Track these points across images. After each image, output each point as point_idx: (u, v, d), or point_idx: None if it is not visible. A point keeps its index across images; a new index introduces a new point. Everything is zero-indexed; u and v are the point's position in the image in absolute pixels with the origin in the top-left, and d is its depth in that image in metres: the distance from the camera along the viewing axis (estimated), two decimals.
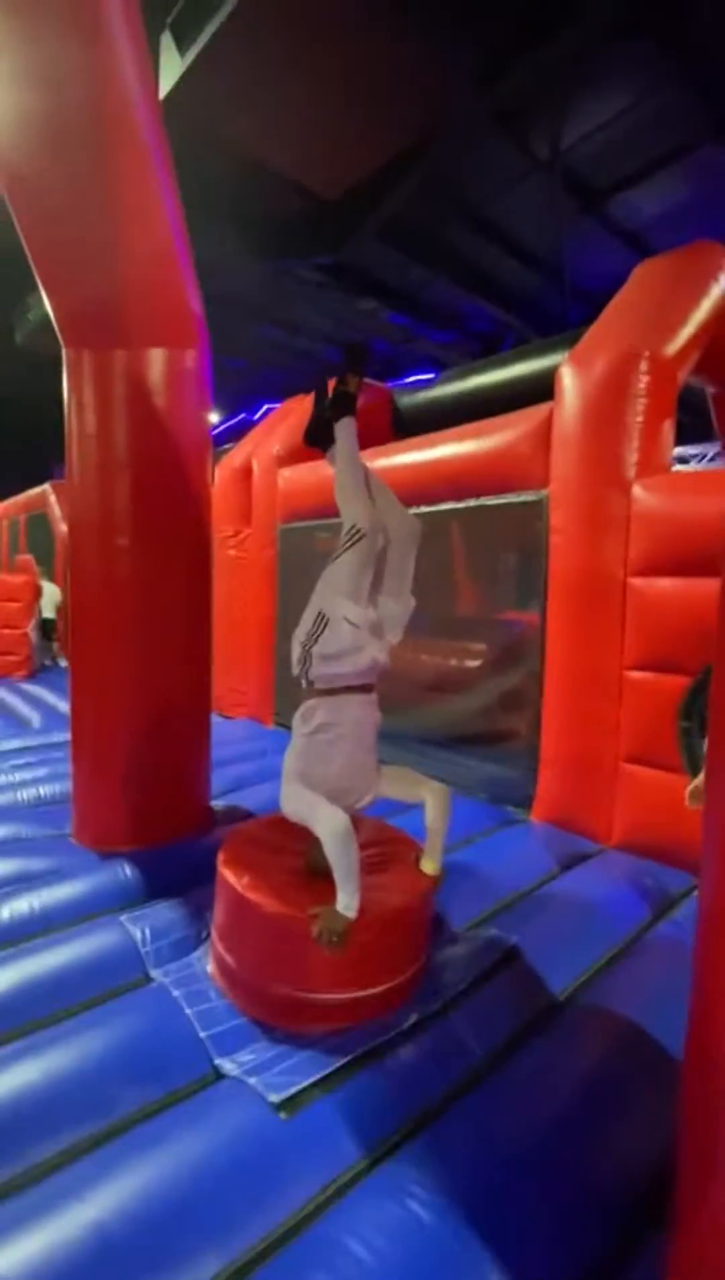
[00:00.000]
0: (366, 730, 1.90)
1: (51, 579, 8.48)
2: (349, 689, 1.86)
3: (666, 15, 4.47)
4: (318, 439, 2.01)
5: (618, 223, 6.91)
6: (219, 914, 1.92)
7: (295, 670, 1.91)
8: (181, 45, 4.86)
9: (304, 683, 1.91)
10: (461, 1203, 1.21)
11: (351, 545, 1.84)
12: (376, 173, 6.31)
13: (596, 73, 5.07)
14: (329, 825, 1.69)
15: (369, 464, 2.05)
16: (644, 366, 2.72)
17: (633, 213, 6.72)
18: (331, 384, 2.05)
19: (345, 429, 1.95)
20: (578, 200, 6.58)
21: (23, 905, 2.18)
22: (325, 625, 1.82)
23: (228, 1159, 1.32)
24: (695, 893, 2.44)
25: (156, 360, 2.53)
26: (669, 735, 2.56)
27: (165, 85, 5.16)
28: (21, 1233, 1.16)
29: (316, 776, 1.84)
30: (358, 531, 1.83)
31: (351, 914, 1.62)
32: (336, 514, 1.94)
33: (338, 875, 1.65)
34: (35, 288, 2.56)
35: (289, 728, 4.32)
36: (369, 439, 4.69)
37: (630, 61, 4.91)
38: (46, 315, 2.63)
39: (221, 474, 5.27)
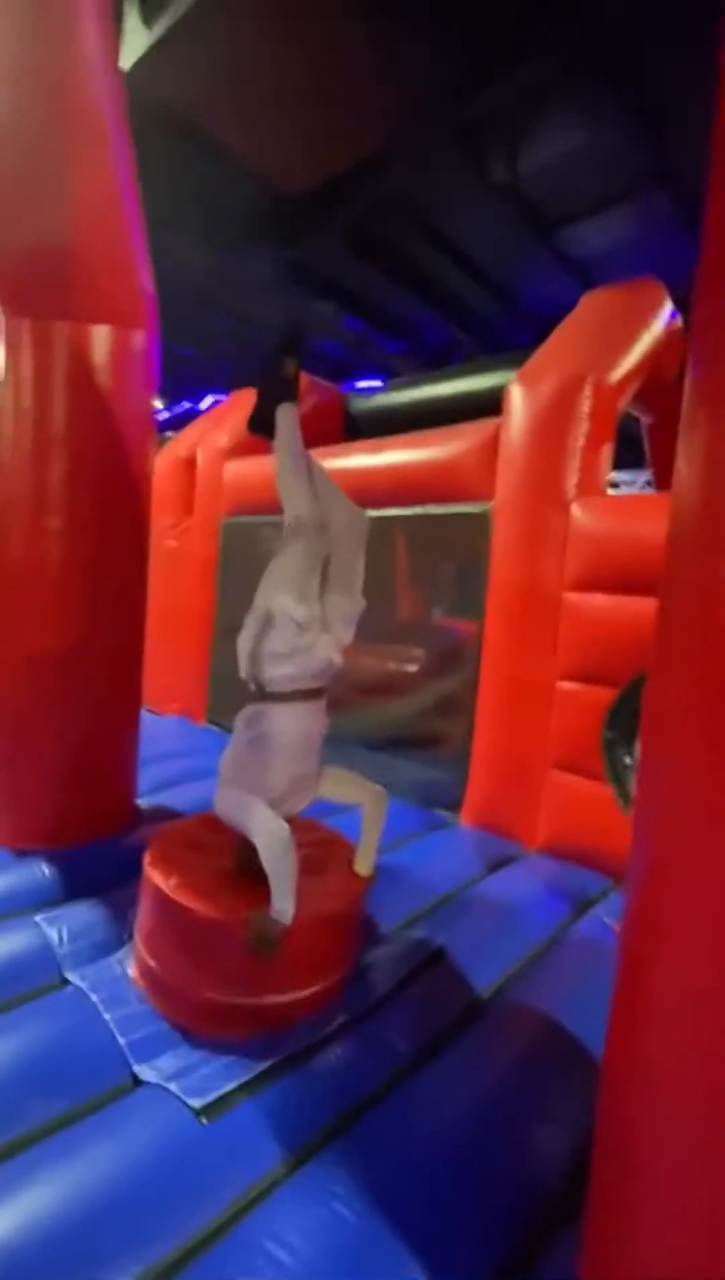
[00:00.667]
0: (312, 740, 1.86)
1: None
2: (299, 694, 1.81)
3: (619, 62, 4.70)
4: (260, 427, 1.95)
5: (567, 253, 7.19)
6: (144, 916, 1.85)
7: (243, 672, 1.84)
8: (147, 18, 4.71)
9: (253, 685, 1.84)
10: (383, 1202, 1.22)
11: (293, 539, 1.80)
12: (340, 176, 6.31)
13: (555, 107, 5.27)
14: (268, 834, 1.64)
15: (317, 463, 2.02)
16: (588, 391, 2.84)
17: (581, 245, 7.01)
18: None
19: (285, 416, 1.89)
20: (531, 227, 6.81)
21: None
22: (271, 624, 1.77)
23: (145, 1167, 1.28)
24: (611, 892, 2.56)
25: (102, 337, 2.43)
26: (595, 744, 2.68)
27: (127, 59, 4.98)
28: None
29: (257, 783, 1.78)
30: (300, 524, 1.80)
31: (286, 920, 1.60)
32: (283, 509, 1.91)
33: (274, 883, 1.61)
34: None
35: (221, 726, 4.21)
36: (321, 439, 4.69)
37: (587, 101, 5.14)
38: None
39: (163, 462, 5.12)
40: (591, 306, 3.29)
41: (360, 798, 1.95)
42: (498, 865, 2.74)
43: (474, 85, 4.97)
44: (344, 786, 1.96)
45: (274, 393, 1.90)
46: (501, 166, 6.09)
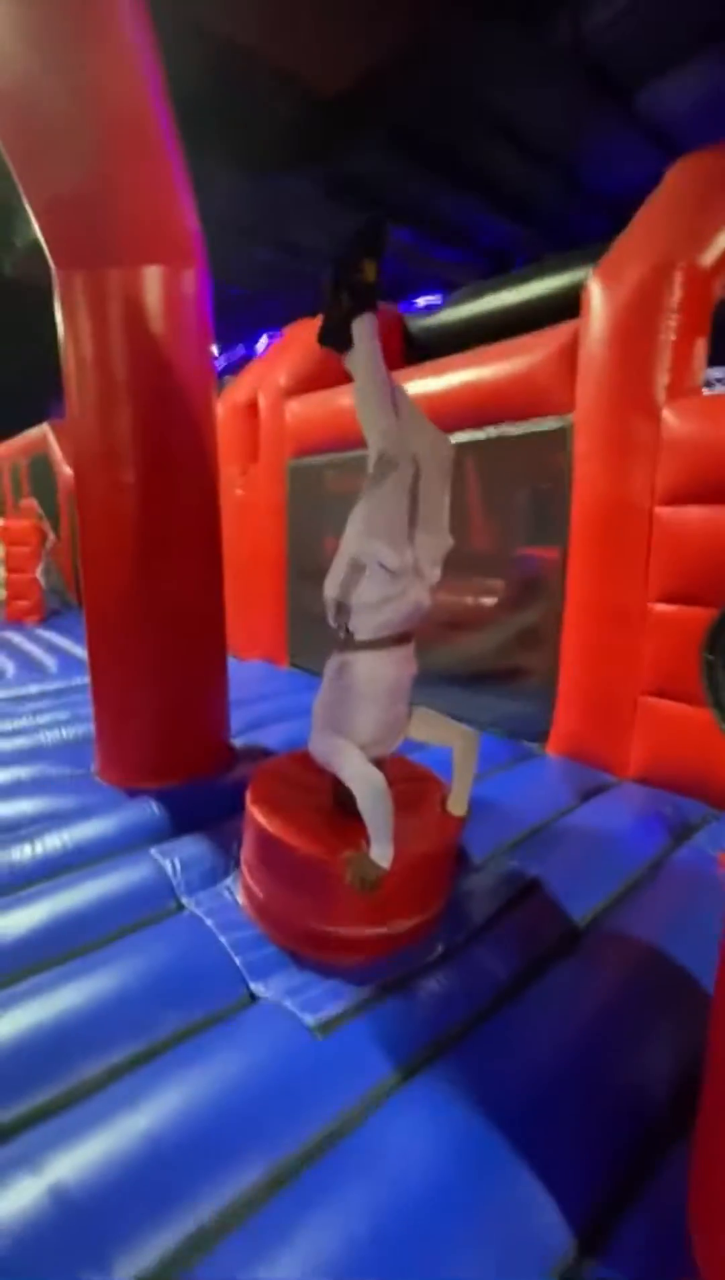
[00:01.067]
0: (403, 684, 1.82)
1: (57, 523, 8.38)
2: (390, 640, 1.74)
3: None
4: (333, 339, 1.72)
5: (644, 118, 6.29)
6: (248, 851, 1.96)
7: (331, 621, 1.79)
8: None
9: (342, 634, 1.78)
10: (491, 1113, 1.27)
11: (381, 477, 1.65)
12: (378, 67, 5.76)
13: None
14: (363, 784, 1.64)
15: None
16: (678, 278, 2.53)
17: (661, 106, 6.10)
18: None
19: (364, 329, 1.66)
20: (600, 92, 5.99)
21: (55, 841, 2.23)
22: (361, 572, 1.68)
23: (268, 1073, 1.38)
24: (712, 820, 2.47)
25: (153, 280, 2.38)
26: (692, 668, 2.53)
27: None
28: (78, 1142, 1.23)
29: (349, 729, 1.77)
30: (385, 460, 1.65)
31: (386, 864, 1.61)
32: (349, 446, 1.80)
33: (372, 829, 1.62)
34: (22, 212, 2.39)
35: (304, 668, 4.29)
36: None
37: None
38: (36, 240, 2.46)
39: (224, 409, 5.07)
40: (679, 178, 2.89)
41: (450, 739, 1.92)
42: (589, 795, 2.69)
43: None
44: (434, 728, 1.94)
45: (350, 300, 1.67)
46: (564, 24, 5.35)
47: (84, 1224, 1.10)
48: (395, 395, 1.71)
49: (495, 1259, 1.05)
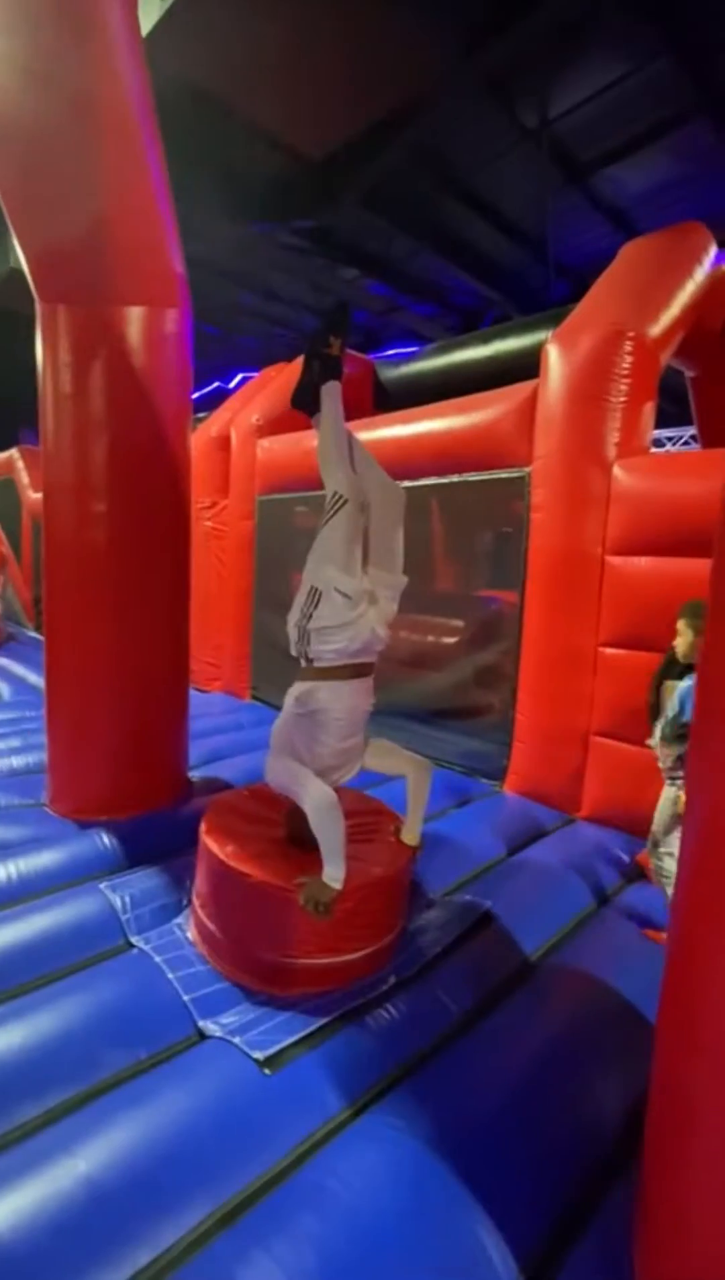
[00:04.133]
0: (361, 714, 1.90)
1: (19, 548, 8.25)
2: (349, 670, 1.83)
3: None
4: (304, 403, 1.97)
5: (603, 198, 6.84)
6: (202, 882, 1.94)
7: (294, 649, 1.88)
8: None
9: (304, 661, 1.87)
10: (439, 1148, 1.27)
11: (335, 513, 1.81)
12: (362, 135, 6.12)
13: (586, 43, 4.99)
14: (316, 801, 1.70)
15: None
16: (628, 347, 2.74)
17: (618, 188, 6.66)
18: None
19: (330, 394, 1.91)
20: (564, 173, 6.49)
21: (0, 873, 2.16)
22: (319, 599, 1.79)
23: (214, 1112, 1.35)
24: None
25: (136, 319, 2.45)
26: (641, 710, 2.63)
27: (141, 28, 4.90)
28: (12, 1188, 1.18)
29: (307, 755, 1.84)
30: (339, 498, 1.80)
31: (338, 885, 1.65)
32: (317, 486, 1.92)
33: (325, 848, 1.67)
34: (4, 236, 2.45)
35: (265, 701, 4.29)
36: (351, 411, 4.65)
37: (621, 32, 4.85)
38: (16, 267, 2.52)
39: (197, 443, 5.15)
40: (631, 256, 3.15)
41: (405, 769, 1.98)
42: (543, 832, 2.75)
43: (500, 27, 4.73)
44: (389, 758, 1.99)
45: (319, 370, 1.92)
46: (532, 110, 5.81)
47: (16, 1273, 1.05)
48: (353, 447, 1.91)
49: None
